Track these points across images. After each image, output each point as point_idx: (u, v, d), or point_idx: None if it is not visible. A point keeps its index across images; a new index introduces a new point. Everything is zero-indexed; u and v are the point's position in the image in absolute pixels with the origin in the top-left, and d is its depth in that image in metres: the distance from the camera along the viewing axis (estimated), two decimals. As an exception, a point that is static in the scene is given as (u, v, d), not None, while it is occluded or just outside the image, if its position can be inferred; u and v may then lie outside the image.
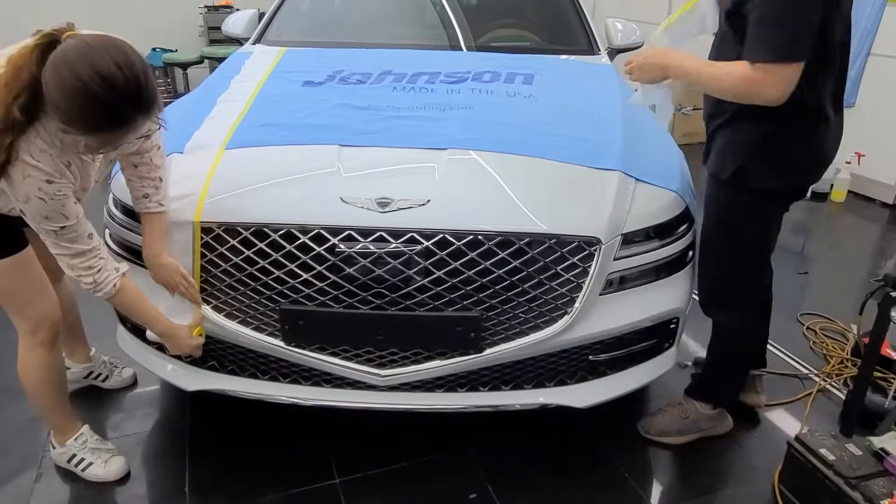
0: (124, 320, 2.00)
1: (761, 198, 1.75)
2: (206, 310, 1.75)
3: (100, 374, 2.28)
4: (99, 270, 1.55)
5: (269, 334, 1.74)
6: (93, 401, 2.25)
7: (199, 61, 6.23)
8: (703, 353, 2.25)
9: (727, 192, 1.78)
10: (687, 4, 1.72)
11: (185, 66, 6.22)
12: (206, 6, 6.72)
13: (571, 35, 3.09)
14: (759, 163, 1.70)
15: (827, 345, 2.70)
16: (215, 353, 1.86)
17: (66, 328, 2.01)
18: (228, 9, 6.67)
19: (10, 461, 1.98)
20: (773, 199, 1.78)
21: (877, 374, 2.31)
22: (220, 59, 5.80)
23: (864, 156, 4.49)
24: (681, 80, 1.69)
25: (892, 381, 2.26)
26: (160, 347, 1.92)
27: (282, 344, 1.74)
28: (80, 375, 2.26)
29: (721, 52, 1.69)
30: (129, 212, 1.81)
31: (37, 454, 2.01)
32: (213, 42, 6.61)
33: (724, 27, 1.68)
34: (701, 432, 2.11)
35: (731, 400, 2.14)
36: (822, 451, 1.78)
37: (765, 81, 1.52)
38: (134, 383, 2.32)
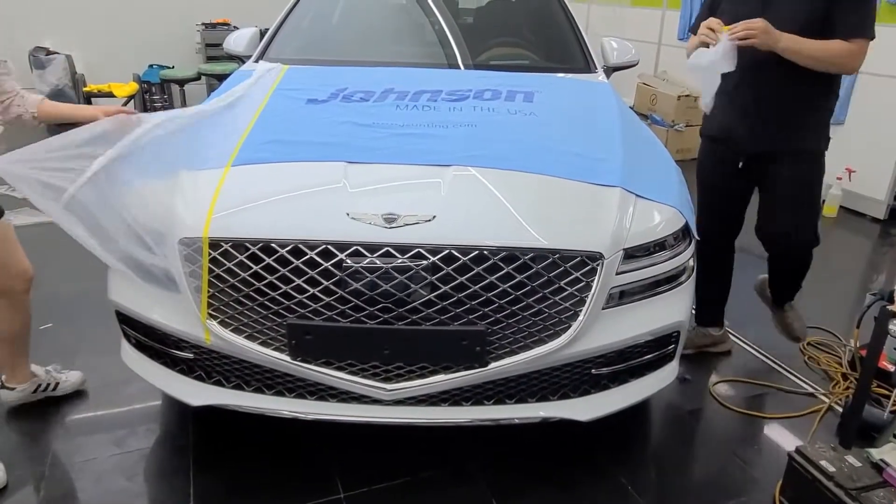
0: (128, 336, 2.00)
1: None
2: (213, 325, 1.76)
3: (48, 385, 2.30)
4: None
5: (276, 349, 1.76)
6: (92, 418, 2.24)
7: (197, 78, 6.27)
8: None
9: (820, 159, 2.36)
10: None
11: (182, 82, 6.25)
12: (203, 23, 6.77)
13: (569, 53, 3.15)
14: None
15: (821, 359, 2.74)
16: (220, 368, 1.87)
17: (15, 347, 2.18)
18: (226, 26, 6.72)
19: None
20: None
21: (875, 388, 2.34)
22: (218, 76, 5.86)
23: (854, 172, 4.56)
24: (790, 52, 2.08)
25: (890, 393, 2.29)
26: (165, 363, 1.93)
27: (288, 358, 1.75)
28: (28, 392, 2.26)
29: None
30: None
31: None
32: (210, 59, 6.65)
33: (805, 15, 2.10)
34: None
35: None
36: (823, 462, 1.80)
37: (861, 54, 2.11)
38: (83, 382, 2.38)
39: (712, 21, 2.15)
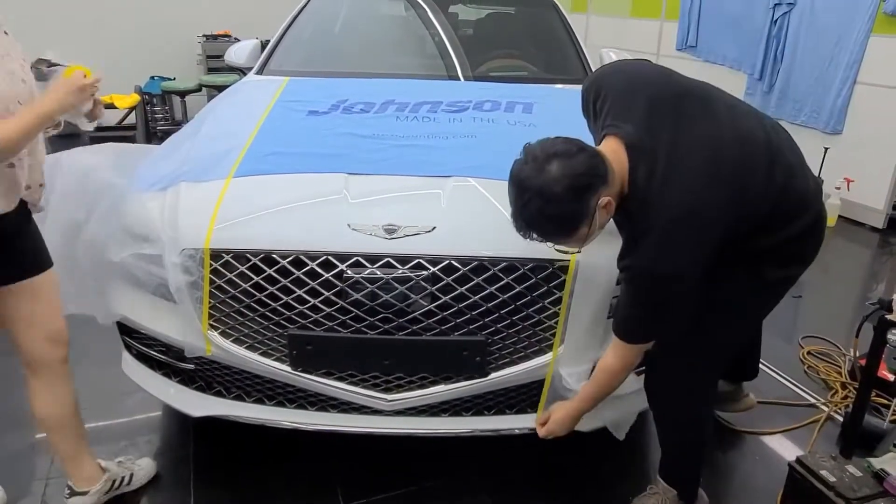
0: (129, 347, 2.01)
1: None
2: (214, 335, 1.77)
3: (122, 479, 1.95)
4: None
5: (277, 359, 1.76)
6: (93, 429, 2.24)
7: (198, 89, 6.29)
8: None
9: None
10: None
11: (183, 94, 6.28)
12: (204, 35, 6.81)
13: (567, 65, 3.17)
14: None
15: (820, 368, 2.74)
16: (221, 379, 1.88)
17: (70, 436, 1.82)
18: (227, 38, 6.76)
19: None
20: None
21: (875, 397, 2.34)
22: (218, 88, 5.88)
23: (853, 181, 4.58)
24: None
25: (890, 402, 2.29)
26: (166, 374, 1.94)
27: (289, 369, 1.76)
28: (102, 493, 1.89)
29: None
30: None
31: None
32: (211, 70, 6.69)
33: None
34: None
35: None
36: (823, 472, 1.80)
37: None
38: (155, 468, 2.05)
39: None
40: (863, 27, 4.46)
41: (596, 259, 1.69)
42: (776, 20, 5.10)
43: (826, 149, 4.71)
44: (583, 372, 1.77)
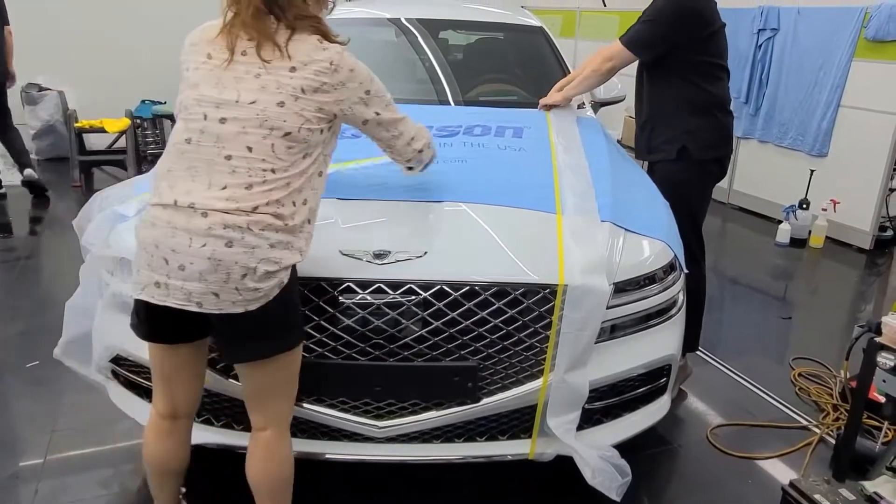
0: (117, 375, 1.98)
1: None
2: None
3: None
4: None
5: (267, 386, 1.74)
6: (79, 457, 2.20)
7: (188, 113, 6.31)
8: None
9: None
10: None
11: (173, 117, 6.29)
12: (195, 60, 6.84)
13: (556, 89, 3.19)
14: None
15: (812, 390, 2.74)
16: (210, 407, 1.85)
17: (176, 486, 1.77)
18: (218, 62, 6.79)
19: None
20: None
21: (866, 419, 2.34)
22: (210, 111, 5.89)
23: (839, 203, 4.63)
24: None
25: (881, 424, 2.30)
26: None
27: (279, 396, 1.73)
28: None
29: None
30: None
31: None
32: (201, 94, 6.71)
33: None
34: (680, 382, 2.60)
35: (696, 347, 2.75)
36: (817, 496, 1.80)
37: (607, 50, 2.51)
38: None
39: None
40: (845, 52, 4.55)
41: (584, 281, 1.70)
42: (760, 45, 5.19)
43: (812, 171, 4.77)
44: (570, 421, 1.75)
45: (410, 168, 1.81)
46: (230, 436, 1.85)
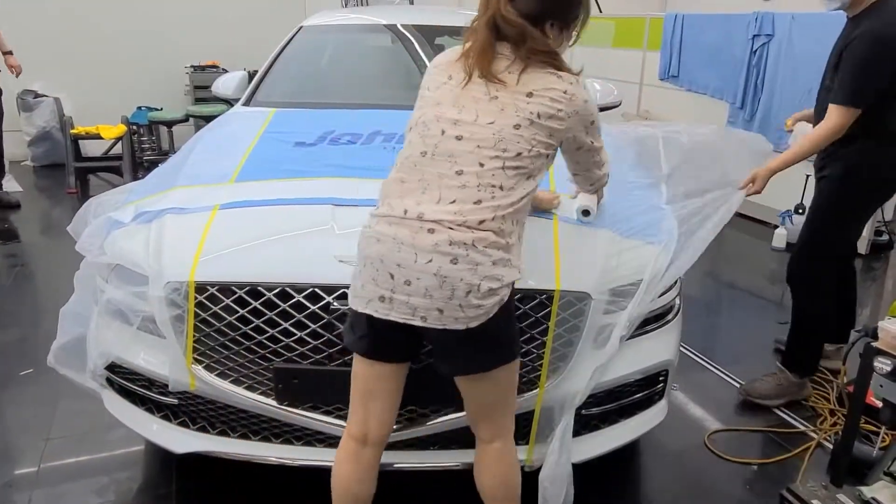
0: (111, 382, 1.97)
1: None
2: (198, 369, 1.74)
3: None
4: None
5: (262, 393, 1.74)
6: (74, 465, 2.19)
7: (185, 119, 6.30)
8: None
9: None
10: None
11: (170, 124, 6.28)
12: (192, 65, 6.84)
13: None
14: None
15: (809, 395, 2.74)
16: (205, 414, 1.84)
17: None
18: (214, 69, 6.79)
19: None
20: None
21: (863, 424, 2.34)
22: (206, 118, 5.89)
23: (835, 207, 4.63)
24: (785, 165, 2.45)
25: (878, 429, 2.29)
26: (149, 409, 1.90)
27: (275, 403, 1.73)
28: None
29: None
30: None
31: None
32: (198, 101, 6.70)
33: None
34: (789, 396, 2.64)
35: (812, 371, 2.72)
36: (814, 502, 1.79)
37: (836, 118, 2.31)
38: None
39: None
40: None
41: (579, 286, 1.70)
42: (755, 50, 5.21)
43: (808, 176, 4.78)
44: (564, 477, 1.72)
45: (588, 191, 1.83)
46: (224, 444, 1.83)
